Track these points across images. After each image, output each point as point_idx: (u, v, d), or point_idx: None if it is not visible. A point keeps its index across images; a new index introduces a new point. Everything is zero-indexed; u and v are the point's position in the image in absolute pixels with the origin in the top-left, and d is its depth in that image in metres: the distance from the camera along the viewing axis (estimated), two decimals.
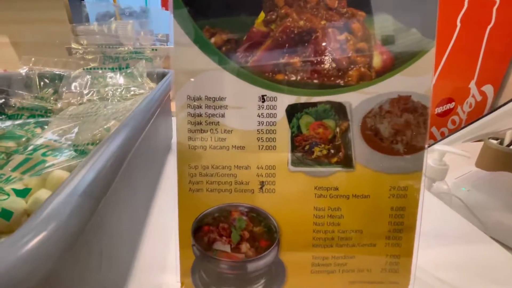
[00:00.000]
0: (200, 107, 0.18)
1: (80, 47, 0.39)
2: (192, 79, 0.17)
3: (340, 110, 0.18)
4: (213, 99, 0.18)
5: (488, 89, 0.92)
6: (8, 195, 0.18)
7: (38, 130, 0.33)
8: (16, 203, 0.18)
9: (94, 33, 1.35)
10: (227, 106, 0.18)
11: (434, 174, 0.36)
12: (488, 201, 0.43)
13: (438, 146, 0.36)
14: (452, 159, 0.61)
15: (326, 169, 0.18)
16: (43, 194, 0.19)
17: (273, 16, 0.17)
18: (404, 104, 0.17)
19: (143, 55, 0.40)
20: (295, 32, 0.17)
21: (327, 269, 0.19)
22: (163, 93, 0.27)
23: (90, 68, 0.39)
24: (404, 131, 0.18)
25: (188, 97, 0.18)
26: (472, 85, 0.90)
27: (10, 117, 0.36)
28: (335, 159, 0.18)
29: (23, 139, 0.31)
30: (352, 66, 0.17)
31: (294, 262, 0.19)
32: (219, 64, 0.17)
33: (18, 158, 0.22)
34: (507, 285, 0.21)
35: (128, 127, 0.17)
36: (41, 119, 0.35)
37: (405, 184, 0.18)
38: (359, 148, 0.18)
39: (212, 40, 0.17)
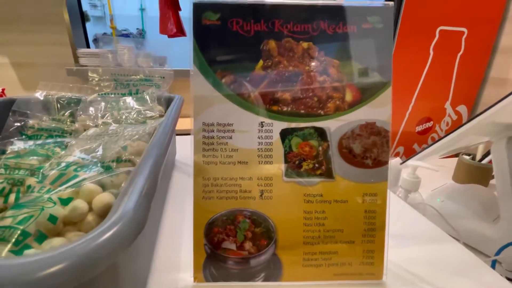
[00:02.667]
0: (213, 131, 0.23)
1: (96, 75, 0.44)
2: (207, 109, 0.22)
3: (321, 133, 0.23)
4: (223, 124, 0.23)
5: (463, 109, 1.01)
6: (54, 203, 0.22)
7: (57, 149, 0.37)
8: (59, 211, 0.22)
9: (94, 56, 1.41)
10: (234, 130, 0.23)
11: (408, 186, 0.41)
12: (460, 210, 0.48)
13: (411, 162, 0.42)
14: (430, 173, 0.67)
15: (312, 179, 0.23)
16: (79, 203, 0.23)
17: (269, 63, 0.22)
18: (370, 129, 0.23)
19: (152, 82, 0.45)
20: (286, 75, 0.22)
21: (315, 263, 0.23)
22: (174, 118, 0.32)
23: (104, 94, 0.43)
24: (371, 150, 0.23)
25: (204, 123, 0.22)
26: (448, 105, 0.99)
27: (30, 138, 0.40)
28: (319, 172, 0.23)
29: (44, 157, 0.35)
30: (329, 100, 0.22)
31: (288, 258, 0.23)
32: (228, 99, 0.22)
33: (54, 174, 0.26)
34: (465, 277, 0.26)
35: (158, 147, 0.21)
36: (59, 139, 0.40)
37: (375, 191, 0.23)
38: (337, 163, 0.23)
39: (223, 80, 0.22)
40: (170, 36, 1.67)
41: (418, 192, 0.42)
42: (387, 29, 0.22)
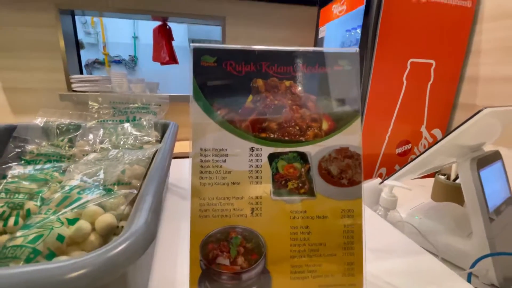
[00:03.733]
0: (209, 155, 0.26)
1: (96, 104, 0.47)
2: (204, 137, 0.26)
3: (303, 157, 0.26)
4: (218, 150, 0.26)
5: (437, 132, 1.09)
6: (62, 223, 0.23)
7: (56, 174, 0.39)
8: (65, 230, 0.24)
9: (88, 82, 1.45)
10: (227, 154, 0.26)
11: (387, 204, 0.45)
12: (436, 227, 0.52)
13: (388, 182, 0.46)
14: (411, 192, 0.71)
15: (297, 197, 0.26)
16: (83, 224, 0.25)
17: (258, 98, 0.26)
18: (344, 153, 0.26)
19: (148, 109, 0.48)
20: (272, 107, 0.26)
21: (302, 275, 0.26)
22: (172, 143, 0.35)
23: (103, 120, 0.46)
24: (346, 171, 0.26)
25: (201, 148, 0.26)
26: (423, 129, 1.07)
27: (29, 163, 0.41)
28: (302, 190, 0.26)
29: (43, 182, 0.37)
30: (309, 129, 0.26)
31: (277, 271, 0.26)
32: (222, 127, 0.26)
33: (59, 197, 0.28)
34: (438, 285, 0.29)
35: (160, 169, 0.24)
36: (57, 164, 0.41)
37: (351, 207, 0.26)
38: (318, 182, 0.26)
39: (218, 112, 0.26)
40: (162, 63, 1.74)
41: (396, 210, 0.45)
42: (354, 70, 0.27)
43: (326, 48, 0.27)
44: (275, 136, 0.26)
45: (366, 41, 0.99)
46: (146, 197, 0.18)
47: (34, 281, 0.11)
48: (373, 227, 0.40)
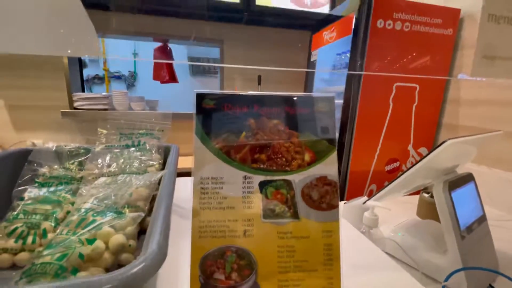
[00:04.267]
0: (208, 183, 0.30)
1: (104, 130, 0.51)
2: (204, 167, 0.30)
3: (289, 184, 0.31)
4: (216, 178, 0.30)
5: (423, 150, 1.15)
6: (82, 243, 0.27)
7: (68, 195, 0.43)
8: (85, 249, 0.27)
9: (89, 100, 1.49)
10: (224, 182, 0.30)
11: (369, 223, 0.49)
12: (417, 243, 0.56)
13: (370, 202, 0.50)
14: (399, 209, 0.76)
15: (283, 220, 0.30)
16: (99, 243, 0.29)
17: (250, 134, 0.31)
18: (323, 181, 0.31)
19: (152, 135, 0.53)
20: (262, 142, 0.31)
21: None
22: (175, 168, 0.39)
23: (110, 146, 0.51)
24: (325, 196, 0.31)
25: (201, 177, 0.30)
26: (410, 148, 1.13)
27: (43, 185, 0.45)
28: (288, 214, 0.30)
29: (56, 203, 0.41)
30: (293, 160, 0.31)
31: (267, 285, 0.29)
32: (220, 159, 0.30)
33: (76, 219, 0.32)
34: None
35: (166, 196, 0.28)
36: (67, 186, 0.45)
37: (330, 228, 0.31)
38: (301, 206, 0.31)
39: (216, 146, 0.30)
40: (162, 82, 1.81)
41: (378, 228, 0.49)
42: (331, 111, 0.32)
43: (307, 94, 0.32)
44: (265, 166, 0.31)
45: (354, 66, 1.06)
46: (156, 222, 0.22)
47: None
48: (355, 245, 0.44)
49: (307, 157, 0.31)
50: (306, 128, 0.32)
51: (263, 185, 0.31)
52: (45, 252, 0.26)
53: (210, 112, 0.31)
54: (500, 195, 0.91)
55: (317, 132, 0.32)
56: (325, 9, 1.59)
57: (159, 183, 0.39)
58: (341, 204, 0.66)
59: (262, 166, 0.31)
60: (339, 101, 1.13)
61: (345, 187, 1.15)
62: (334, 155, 0.32)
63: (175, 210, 0.51)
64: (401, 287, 0.34)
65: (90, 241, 0.28)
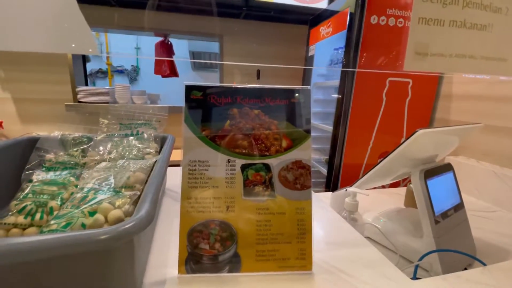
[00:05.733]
0: (195, 165, 0.34)
1: (105, 120, 0.55)
2: (192, 151, 0.34)
3: (267, 167, 0.35)
4: (202, 161, 0.34)
5: None
6: (84, 215, 0.31)
7: (72, 178, 0.47)
8: (86, 220, 0.32)
9: (92, 94, 1.54)
10: (209, 164, 0.34)
11: (350, 208, 0.53)
12: (396, 229, 0.59)
13: (351, 188, 0.54)
14: (388, 199, 0.79)
15: (261, 198, 0.34)
16: (99, 216, 0.33)
17: (233, 122, 0.35)
18: (298, 164, 0.35)
19: (150, 124, 0.57)
20: (244, 129, 0.35)
21: (264, 258, 0.34)
22: (168, 155, 0.43)
23: (111, 134, 0.55)
24: (299, 178, 0.35)
25: (189, 160, 0.34)
26: (403, 141, 1.16)
27: (49, 169, 0.49)
28: (266, 193, 0.34)
29: (62, 185, 0.45)
30: (272, 146, 0.35)
31: (246, 254, 0.33)
32: (206, 144, 0.34)
33: (79, 196, 0.36)
34: (372, 268, 0.36)
35: (157, 176, 0.32)
36: (72, 171, 0.49)
37: (303, 206, 0.34)
38: (278, 186, 0.34)
39: (203, 133, 0.34)
40: (163, 76, 1.85)
41: (358, 213, 0.53)
42: (307, 102, 0.36)
43: (284, 86, 0.36)
44: (246, 151, 0.35)
45: (348, 61, 1.09)
46: (147, 195, 0.26)
47: (80, 239, 0.20)
48: (332, 226, 0.48)
49: (284, 143, 0.35)
50: (284, 117, 0.35)
51: (244, 168, 0.34)
52: (52, 222, 0.30)
53: (197, 102, 0.34)
54: (486, 187, 0.94)
55: (294, 121, 0.36)
56: (323, 4, 1.60)
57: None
58: (330, 194, 0.69)
59: (244, 151, 0.35)
60: (338, 96, 1.16)
61: (339, 179, 1.19)
62: (308, 142, 0.35)
63: (169, 194, 0.56)
64: (367, 259, 0.38)
65: (91, 213, 0.32)
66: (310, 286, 0.32)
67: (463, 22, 0.26)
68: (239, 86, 0.35)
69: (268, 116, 0.35)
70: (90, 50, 0.26)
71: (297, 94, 0.36)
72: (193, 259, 0.33)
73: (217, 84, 0.35)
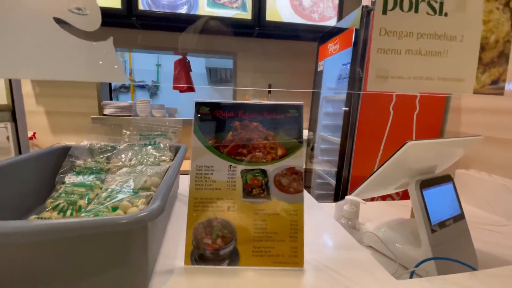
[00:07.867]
0: (201, 170, 0.39)
1: (127, 131, 0.63)
2: (199, 158, 0.39)
3: (264, 173, 0.39)
4: (208, 166, 0.39)
5: None
6: (108, 210, 0.37)
7: (98, 182, 0.54)
8: (109, 214, 0.37)
9: (116, 107, 1.66)
10: (214, 169, 0.39)
11: (348, 215, 0.55)
12: (396, 238, 0.61)
13: (349, 197, 0.57)
14: (392, 210, 0.81)
15: (259, 200, 0.39)
16: (120, 212, 0.39)
17: (235, 133, 0.40)
18: (292, 171, 0.39)
19: (166, 136, 0.64)
20: (245, 139, 0.40)
21: (260, 254, 0.38)
22: (180, 163, 0.49)
23: (132, 144, 0.62)
24: (293, 183, 0.39)
25: (197, 166, 0.39)
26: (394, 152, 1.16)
27: (78, 173, 0.57)
28: (263, 195, 0.39)
29: (89, 187, 0.52)
30: (269, 154, 0.40)
31: (244, 250, 0.38)
32: (211, 152, 0.40)
33: (104, 195, 0.42)
34: (362, 270, 0.39)
35: (168, 180, 0.38)
36: (97, 175, 0.56)
37: (296, 208, 0.39)
38: (273, 190, 0.39)
39: (209, 142, 0.40)
40: (181, 91, 1.97)
41: (357, 221, 0.56)
42: (300, 116, 0.41)
43: (280, 102, 0.41)
44: (246, 158, 0.40)
45: (354, 75, 1.13)
46: (159, 193, 0.32)
47: (108, 221, 0.25)
48: (330, 231, 0.51)
49: (279, 152, 0.40)
50: (280, 129, 0.40)
51: (244, 173, 0.39)
52: (82, 215, 0.36)
53: (205, 116, 0.40)
54: (498, 201, 0.92)
55: (288, 132, 0.40)
56: (332, 22, 1.67)
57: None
58: (333, 204, 0.72)
59: (243, 158, 0.40)
60: (345, 109, 1.19)
61: (347, 191, 1.20)
62: (301, 151, 0.40)
63: (180, 199, 0.61)
64: (357, 260, 0.40)
65: (114, 209, 0.38)
66: (300, 280, 0.35)
67: (418, 50, 0.30)
68: (241, 102, 0.41)
69: (266, 128, 0.40)
70: (122, 79, 0.33)
71: (291, 109, 0.41)
72: (198, 252, 0.38)
73: (222, 101, 0.41)
